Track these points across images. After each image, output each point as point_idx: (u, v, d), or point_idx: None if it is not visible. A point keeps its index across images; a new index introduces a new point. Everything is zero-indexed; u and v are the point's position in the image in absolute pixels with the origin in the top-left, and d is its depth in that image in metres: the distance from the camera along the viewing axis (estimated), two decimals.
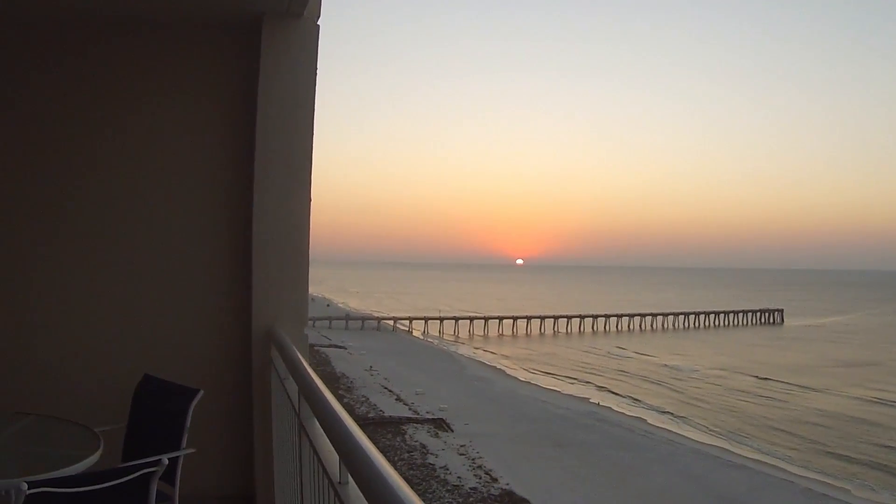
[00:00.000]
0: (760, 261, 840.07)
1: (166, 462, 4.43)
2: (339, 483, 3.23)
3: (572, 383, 58.83)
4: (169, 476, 5.03)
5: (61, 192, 7.04)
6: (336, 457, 3.26)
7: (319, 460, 3.64)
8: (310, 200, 6.97)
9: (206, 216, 7.22)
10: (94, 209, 7.06)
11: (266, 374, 6.62)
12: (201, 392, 5.59)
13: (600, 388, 57.24)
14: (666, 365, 70.42)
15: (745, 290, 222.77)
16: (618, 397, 53.55)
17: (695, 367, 68.48)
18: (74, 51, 7.10)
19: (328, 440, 3.50)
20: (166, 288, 7.10)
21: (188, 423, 5.49)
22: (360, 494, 2.73)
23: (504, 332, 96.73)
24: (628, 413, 47.33)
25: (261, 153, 6.85)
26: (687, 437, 41.22)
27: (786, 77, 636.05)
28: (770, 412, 49.13)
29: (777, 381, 61.07)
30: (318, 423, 3.94)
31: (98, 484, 4.10)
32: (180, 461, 5.30)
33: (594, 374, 64.30)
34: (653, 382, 60.58)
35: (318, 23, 7.01)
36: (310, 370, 4.58)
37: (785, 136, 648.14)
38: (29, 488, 3.81)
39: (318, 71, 6.99)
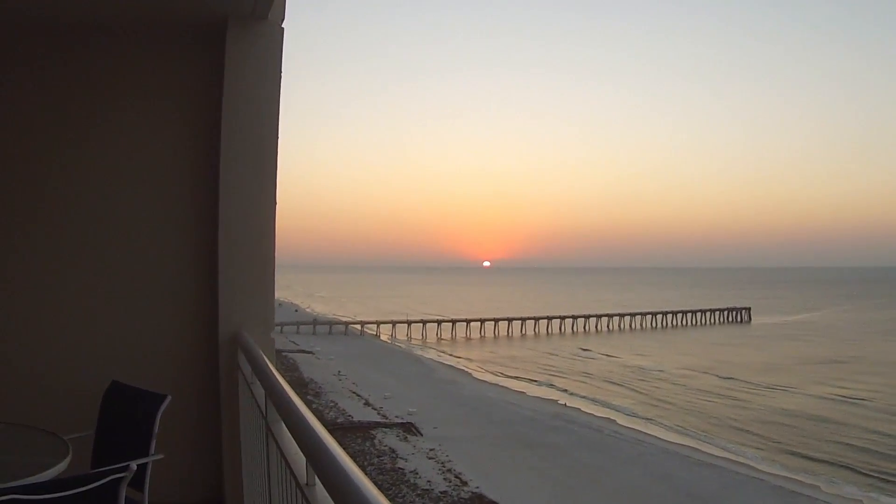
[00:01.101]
0: (730, 260, 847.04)
1: (134, 468, 4.43)
2: (307, 485, 3.25)
3: (539, 385, 58.79)
4: (138, 482, 5.04)
5: (26, 199, 7.00)
6: (303, 459, 3.28)
7: (286, 463, 3.66)
8: (275, 204, 6.98)
9: (172, 221, 7.20)
10: (60, 216, 7.02)
11: (233, 378, 6.63)
12: (169, 398, 5.60)
13: (567, 389, 57.16)
14: (631, 365, 70.42)
15: (714, 289, 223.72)
16: (585, 398, 53.57)
17: (660, 368, 68.50)
18: (39, 55, 7.07)
19: (295, 443, 3.52)
20: (132, 294, 7.07)
21: (156, 429, 5.49)
22: (327, 495, 2.75)
23: (472, 335, 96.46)
24: (597, 414, 47.35)
25: (226, 157, 6.85)
26: (656, 437, 41.24)
27: (760, 75, 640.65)
28: (734, 412, 49.15)
29: (742, 380, 61.16)
30: (284, 426, 3.97)
31: (66, 490, 4.10)
32: (149, 467, 5.28)
33: (560, 375, 64.22)
34: (618, 383, 60.55)
35: (283, 25, 7.03)
36: (276, 374, 4.59)
37: (754, 135, 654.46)
38: None
39: (283, 74, 7.02)
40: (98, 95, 7.15)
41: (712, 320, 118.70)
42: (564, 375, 64.37)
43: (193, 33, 7.19)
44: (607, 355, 78.47)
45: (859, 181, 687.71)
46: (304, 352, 66.90)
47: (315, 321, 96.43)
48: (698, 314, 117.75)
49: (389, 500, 2.33)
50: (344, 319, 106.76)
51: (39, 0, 6.61)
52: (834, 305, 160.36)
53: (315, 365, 59.24)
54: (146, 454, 5.37)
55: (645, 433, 42.30)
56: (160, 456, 5.39)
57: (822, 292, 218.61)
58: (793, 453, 39.46)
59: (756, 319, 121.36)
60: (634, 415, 48.45)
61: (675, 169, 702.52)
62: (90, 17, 7.00)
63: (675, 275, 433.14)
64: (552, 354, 79.36)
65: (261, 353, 5.49)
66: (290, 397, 3.91)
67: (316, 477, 3.10)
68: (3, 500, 3.84)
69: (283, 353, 60.90)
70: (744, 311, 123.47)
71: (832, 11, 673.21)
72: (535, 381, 61.25)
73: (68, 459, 4.94)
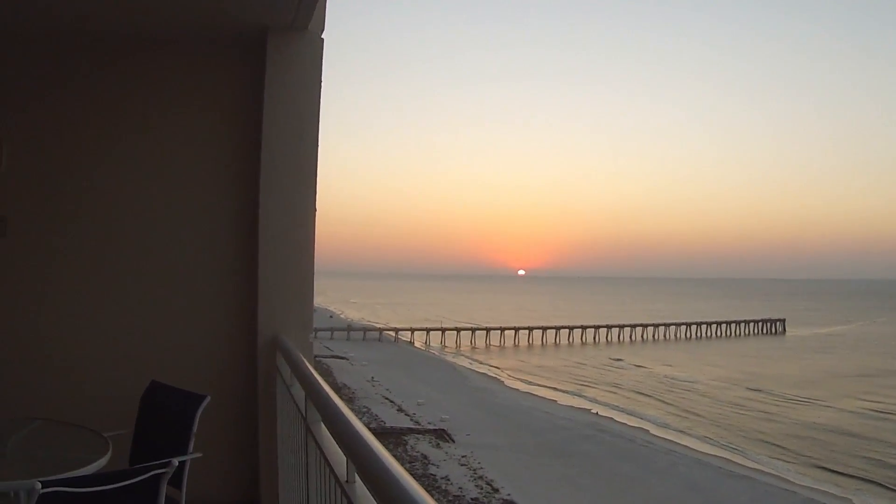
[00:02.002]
0: (765, 271, 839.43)
1: (176, 464, 4.50)
2: (347, 482, 3.30)
3: (571, 395, 58.53)
4: (176, 480, 5.09)
5: (72, 204, 7.15)
6: (343, 458, 3.34)
7: (326, 460, 3.71)
8: (315, 211, 7.07)
9: (214, 226, 7.32)
10: (104, 221, 7.18)
11: (271, 380, 6.70)
12: (208, 398, 5.69)
13: (598, 399, 56.93)
14: (662, 376, 69.91)
15: (748, 300, 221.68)
16: (616, 408, 53.34)
17: (692, 379, 67.81)
18: (85, 66, 7.23)
19: (335, 442, 3.58)
20: (174, 296, 7.20)
21: (195, 429, 5.58)
22: (367, 492, 2.82)
23: (505, 343, 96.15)
24: (630, 424, 47.16)
25: (267, 165, 6.95)
26: (689, 448, 40.94)
27: (791, 84, 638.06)
28: (763, 425, 48.36)
29: (773, 393, 60.44)
30: (324, 426, 4.03)
31: (110, 484, 4.18)
32: (187, 465, 5.36)
33: (591, 385, 63.81)
34: (649, 394, 60.05)
35: (323, 36, 7.11)
36: (317, 375, 4.66)
37: (788, 145, 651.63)
38: (42, 488, 3.89)
39: (322, 83, 7.09)
40: (141, 106, 7.30)
41: (746, 331, 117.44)
42: (595, 385, 64.02)
43: (234, 45, 7.31)
44: (638, 365, 77.95)
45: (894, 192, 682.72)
46: (338, 357, 66.83)
47: (349, 327, 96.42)
48: (732, 325, 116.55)
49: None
50: (378, 326, 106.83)
51: (83, 12, 6.74)
52: (870, 317, 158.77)
53: (349, 370, 59.30)
54: (184, 453, 5.45)
55: (677, 443, 42.01)
56: (199, 454, 5.48)
57: (859, 304, 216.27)
58: (821, 467, 39.07)
59: (790, 331, 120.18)
60: (666, 425, 48.19)
61: (710, 178, 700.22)
62: (132, 29, 7.14)
63: (708, 285, 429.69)
64: (583, 364, 78.96)
65: (300, 355, 5.57)
66: (331, 398, 3.98)
67: (356, 474, 3.16)
68: (47, 493, 3.92)
69: (318, 358, 60.67)
70: (778, 323, 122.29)
71: (862, 19, 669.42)
72: (567, 390, 60.94)
73: (108, 456, 5.02)
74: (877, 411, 53.78)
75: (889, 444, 43.76)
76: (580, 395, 58.24)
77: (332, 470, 3.55)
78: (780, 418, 50.97)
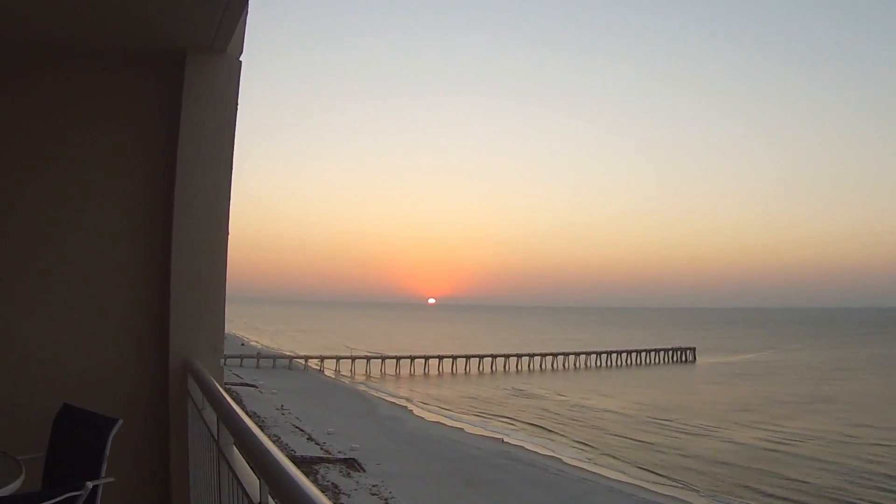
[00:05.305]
0: (684, 300, 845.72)
1: (90, 486, 4.51)
2: (259, 503, 3.36)
3: (483, 423, 58.44)
4: None
5: None
6: (256, 480, 3.40)
7: (239, 483, 3.75)
8: (227, 234, 7.08)
9: (126, 246, 7.26)
10: (13, 239, 7.06)
11: (183, 403, 6.69)
12: (120, 421, 5.64)
13: (506, 428, 56.99)
14: (571, 406, 70.13)
15: (663, 329, 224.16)
16: (526, 437, 53.44)
17: (587, 407, 68.59)
18: None
19: (247, 465, 3.64)
20: (85, 318, 7.10)
21: (107, 453, 5.55)
22: None
23: (415, 372, 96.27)
24: (541, 452, 47.24)
25: (181, 186, 6.95)
26: (601, 476, 41.21)
27: (707, 119, 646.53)
28: (658, 457, 48.76)
29: (677, 422, 60.86)
30: (236, 449, 4.08)
31: None
32: (100, 490, 5.34)
33: (499, 414, 64.04)
34: (545, 425, 60.13)
35: (241, 59, 7.16)
36: (229, 399, 4.69)
37: (704, 172, 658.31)
38: None
39: (238, 106, 7.14)
40: (54, 122, 7.18)
41: (657, 360, 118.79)
42: (503, 414, 64.17)
43: (153, 63, 7.27)
44: (539, 396, 77.96)
45: (814, 224, 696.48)
46: (247, 385, 66.22)
47: (259, 355, 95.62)
48: (643, 354, 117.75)
49: None
50: (288, 354, 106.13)
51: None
52: (780, 345, 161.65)
53: (258, 399, 58.74)
54: (97, 477, 5.41)
55: (589, 471, 42.25)
56: (111, 479, 5.45)
57: (772, 332, 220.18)
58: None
59: (701, 359, 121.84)
60: (580, 452, 48.35)
61: (625, 209, 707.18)
62: (47, 42, 7.06)
63: (625, 314, 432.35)
64: (492, 392, 79.27)
65: (212, 379, 5.59)
66: (243, 420, 4.01)
67: (269, 496, 3.22)
68: None
69: (227, 386, 59.53)
70: (688, 351, 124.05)
71: (799, 52, 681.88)
72: (477, 418, 61.08)
73: (21, 479, 4.99)
74: (767, 440, 54.18)
75: (775, 475, 44.10)
76: (489, 424, 58.26)
77: (244, 492, 3.60)
78: (685, 448, 51.16)
